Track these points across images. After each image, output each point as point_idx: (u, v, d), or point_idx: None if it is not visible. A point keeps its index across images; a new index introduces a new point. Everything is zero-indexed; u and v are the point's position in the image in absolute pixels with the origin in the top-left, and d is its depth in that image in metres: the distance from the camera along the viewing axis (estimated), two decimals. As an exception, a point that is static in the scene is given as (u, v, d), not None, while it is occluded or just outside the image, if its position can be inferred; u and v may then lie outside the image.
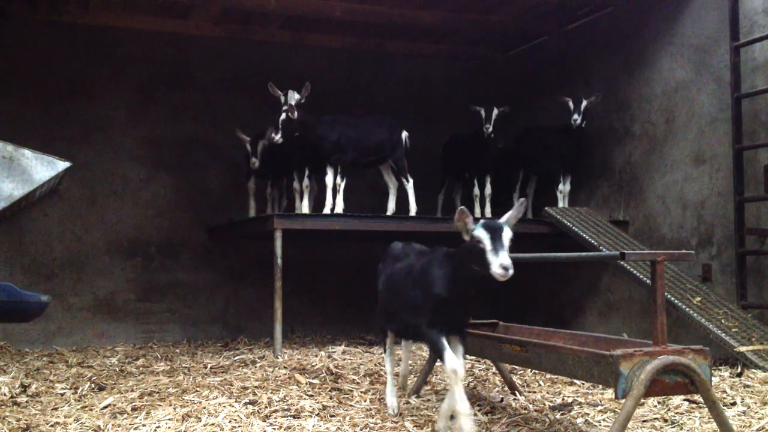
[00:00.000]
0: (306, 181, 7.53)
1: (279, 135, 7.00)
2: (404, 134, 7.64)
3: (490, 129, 7.80)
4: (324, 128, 7.22)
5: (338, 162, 7.26)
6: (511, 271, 3.30)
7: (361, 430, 4.01)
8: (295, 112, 6.99)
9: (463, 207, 3.53)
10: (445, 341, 3.65)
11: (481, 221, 3.49)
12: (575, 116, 7.60)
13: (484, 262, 3.37)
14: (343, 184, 7.27)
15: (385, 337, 4.55)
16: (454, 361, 3.60)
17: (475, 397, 4.71)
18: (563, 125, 7.90)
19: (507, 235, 3.42)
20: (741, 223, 6.32)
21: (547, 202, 7.96)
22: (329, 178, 7.26)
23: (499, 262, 3.32)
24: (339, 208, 7.21)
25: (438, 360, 4.08)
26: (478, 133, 7.94)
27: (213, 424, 4.04)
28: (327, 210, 7.26)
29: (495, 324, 4.83)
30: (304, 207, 7.45)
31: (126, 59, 8.64)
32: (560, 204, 7.92)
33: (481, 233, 3.42)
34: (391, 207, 7.72)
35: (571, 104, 7.65)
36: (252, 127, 8.12)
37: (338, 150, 7.26)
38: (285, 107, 7.03)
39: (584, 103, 7.63)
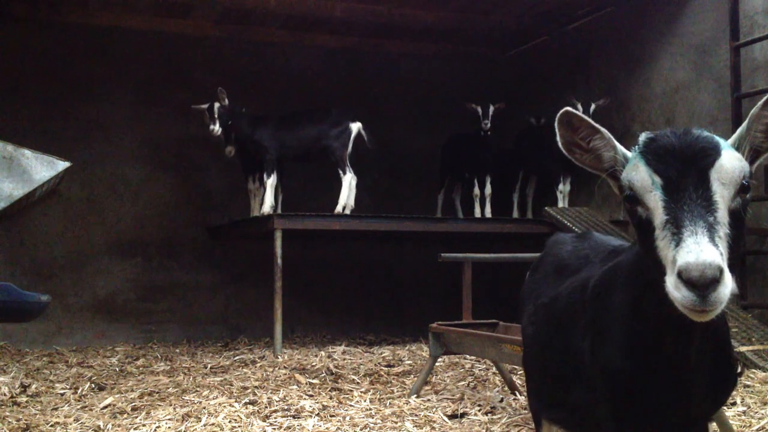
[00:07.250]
0: (250, 184, 7.99)
1: (217, 125, 7.42)
2: (354, 126, 7.45)
3: (489, 125, 7.83)
4: (246, 127, 7.53)
5: (265, 160, 7.39)
6: (716, 296, 1.43)
7: (361, 430, 4.01)
8: (225, 101, 7.38)
9: (567, 108, 1.80)
10: None
11: (645, 134, 1.69)
12: None
13: (654, 259, 1.53)
14: (270, 182, 7.33)
15: (539, 426, 2.47)
16: None
17: (475, 397, 4.71)
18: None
19: (725, 173, 1.55)
20: (741, 223, 6.31)
21: (547, 202, 7.96)
22: (265, 176, 7.38)
23: (683, 262, 1.42)
24: (267, 206, 7.22)
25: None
26: (478, 132, 7.94)
27: (213, 424, 4.05)
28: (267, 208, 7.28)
29: (495, 324, 4.83)
30: (254, 210, 7.80)
31: (126, 59, 8.63)
32: (560, 204, 7.91)
33: (635, 176, 1.60)
34: (343, 201, 7.44)
35: (580, 107, 7.62)
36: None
37: (260, 148, 7.41)
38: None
39: (593, 106, 7.61)
